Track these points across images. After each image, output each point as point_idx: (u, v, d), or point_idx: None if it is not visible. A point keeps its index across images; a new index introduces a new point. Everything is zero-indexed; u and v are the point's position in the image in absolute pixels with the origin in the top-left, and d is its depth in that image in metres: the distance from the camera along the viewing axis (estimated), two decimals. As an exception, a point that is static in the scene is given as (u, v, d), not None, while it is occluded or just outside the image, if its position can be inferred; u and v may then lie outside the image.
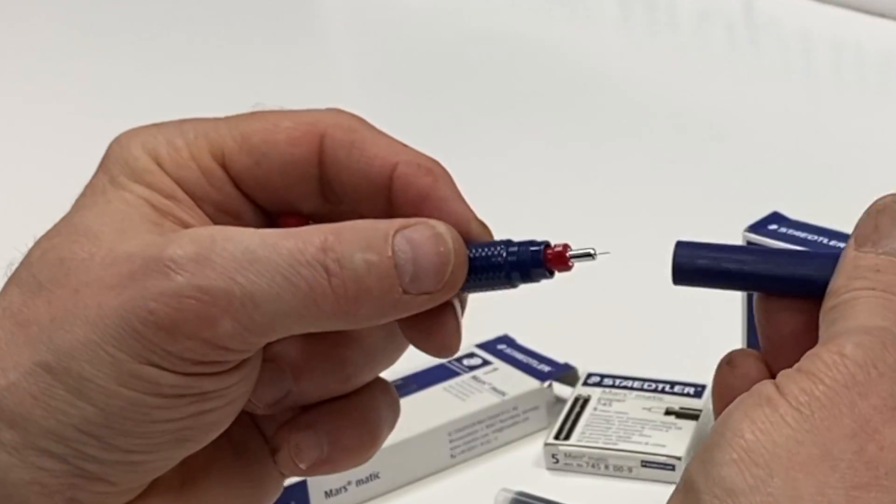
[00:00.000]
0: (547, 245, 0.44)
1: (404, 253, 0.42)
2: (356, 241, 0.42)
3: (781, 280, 0.44)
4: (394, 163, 0.44)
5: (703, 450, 0.39)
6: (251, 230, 0.42)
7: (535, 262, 0.44)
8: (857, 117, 1.21)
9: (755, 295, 0.45)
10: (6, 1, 1.63)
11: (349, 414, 0.46)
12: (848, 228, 0.43)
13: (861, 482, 0.38)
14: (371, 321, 0.43)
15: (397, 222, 0.43)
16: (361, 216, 0.44)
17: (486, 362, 0.83)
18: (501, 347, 0.85)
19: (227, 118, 0.45)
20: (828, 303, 0.42)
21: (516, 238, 0.45)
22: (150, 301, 0.40)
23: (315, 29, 1.58)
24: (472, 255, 0.44)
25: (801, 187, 1.06)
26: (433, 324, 0.44)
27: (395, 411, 0.48)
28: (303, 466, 0.46)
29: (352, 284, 0.42)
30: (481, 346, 0.85)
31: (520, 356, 0.84)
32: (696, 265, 0.44)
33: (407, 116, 1.27)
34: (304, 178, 0.45)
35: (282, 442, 0.46)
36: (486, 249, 0.44)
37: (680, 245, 0.44)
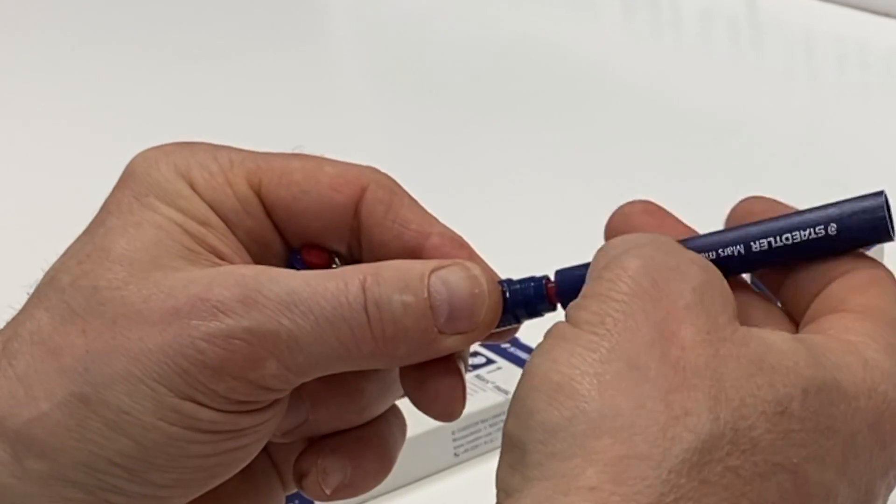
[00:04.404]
0: (546, 279, 0.46)
1: (440, 294, 0.43)
2: (394, 281, 0.43)
3: None
4: (428, 232, 0.46)
5: (515, 404, 0.39)
6: (291, 271, 0.43)
7: (538, 297, 0.45)
8: (861, 116, 1.21)
9: None
10: (16, 11, 1.63)
11: (369, 441, 0.47)
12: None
13: (673, 385, 0.38)
14: (406, 361, 0.44)
15: (432, 263, 0.44)
16: None
17: (489, 361, 0.83)
18: (505, 346, 0.85)
19: (264, 153, 0.46)
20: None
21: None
22: (200, 341, 0.41)
23: (320, 30, 1.59)
24: None
25: (805, 186, 1.05)
26: (439, 389, 0.45)
27: (405, 433, 0.49)
28: (328, 491, 0.47)
29: (390, 326, 0.42)
30: (485, 344, 0.85)
31: (523, 355, 0.84)
32: (576, 285, 0.45)
33: (410, 116, 1.28)
34: (338, 224, 0.46)
35: (310, 466, 0.47)
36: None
37: (558, 272, 0.46)
